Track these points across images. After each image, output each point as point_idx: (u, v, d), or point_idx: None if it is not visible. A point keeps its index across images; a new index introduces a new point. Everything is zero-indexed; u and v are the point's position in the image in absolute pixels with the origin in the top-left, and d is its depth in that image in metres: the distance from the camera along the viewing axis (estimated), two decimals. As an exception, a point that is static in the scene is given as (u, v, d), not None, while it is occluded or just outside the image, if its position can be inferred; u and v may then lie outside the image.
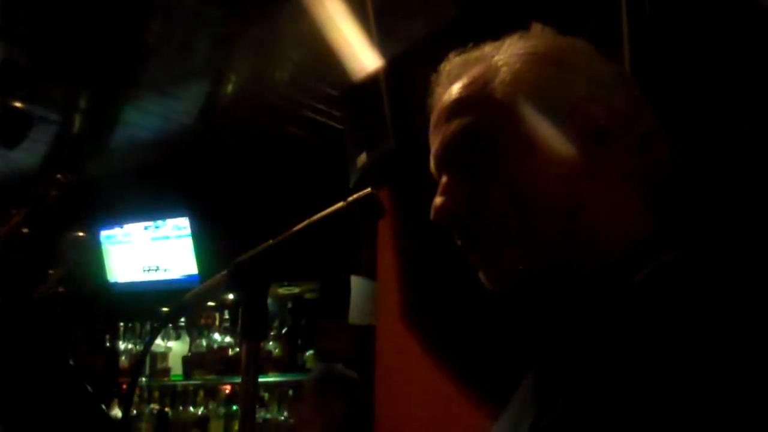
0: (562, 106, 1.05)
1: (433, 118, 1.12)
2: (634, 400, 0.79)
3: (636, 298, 0.85)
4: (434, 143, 1.11)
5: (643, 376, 0.80)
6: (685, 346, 0.79)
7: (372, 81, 2.43)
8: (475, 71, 1.09)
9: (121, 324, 6.19)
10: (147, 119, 4.83)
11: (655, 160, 1.07)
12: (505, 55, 1.09)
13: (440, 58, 1.17)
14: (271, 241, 1.07)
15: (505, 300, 1.09)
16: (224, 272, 1.07)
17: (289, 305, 5.41)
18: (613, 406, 0.81)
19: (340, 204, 1.09)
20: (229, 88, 4.51)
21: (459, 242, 1.08)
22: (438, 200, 1.08)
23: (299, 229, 1.08)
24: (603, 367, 0.84)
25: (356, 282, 3.70)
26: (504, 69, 1.07)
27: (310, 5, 3.00)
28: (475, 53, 1.13)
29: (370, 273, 3.41)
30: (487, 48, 1.12)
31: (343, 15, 2.57)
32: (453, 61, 1.14)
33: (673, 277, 0.85)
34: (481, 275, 1.07)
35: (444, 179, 1.09)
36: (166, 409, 5.81)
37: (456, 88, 1.09)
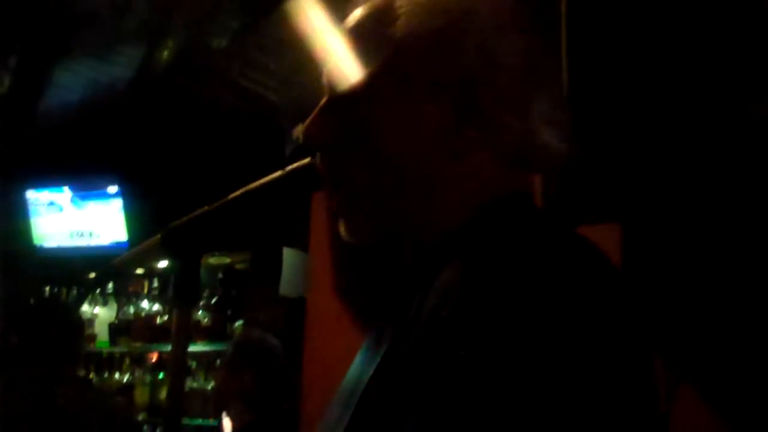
0: (441, 74, 0.98)
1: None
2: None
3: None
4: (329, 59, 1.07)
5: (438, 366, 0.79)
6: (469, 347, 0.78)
7: (310, 50, 2.42)
8: (379, 5, 1.02)
9: (47, 289, 6.09)
10: (80, 82, 4.74)
11: (540, 149, 0.99)
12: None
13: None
14: (206, 207, 1.07)
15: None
16: (157, 237, 1.06)
17: (220, 275, 5.38)
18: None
19: (279, 173, 1.08)
20: (165, 54, 4.45)
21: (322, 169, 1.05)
22: (309, 119, 1.04)
23: (236, 197, 1.07)
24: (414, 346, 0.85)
25: (288, 254, 3.71)
26: (401, 18, 0.99)
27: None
28: None
29: (302, 245, 3.41)
30: None
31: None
32: None
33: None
34: (340, 226, 1.05)
35: (324, 99, 1.05)
36: (91, 376, 5.74)
37: (357, 15, 1.04)
